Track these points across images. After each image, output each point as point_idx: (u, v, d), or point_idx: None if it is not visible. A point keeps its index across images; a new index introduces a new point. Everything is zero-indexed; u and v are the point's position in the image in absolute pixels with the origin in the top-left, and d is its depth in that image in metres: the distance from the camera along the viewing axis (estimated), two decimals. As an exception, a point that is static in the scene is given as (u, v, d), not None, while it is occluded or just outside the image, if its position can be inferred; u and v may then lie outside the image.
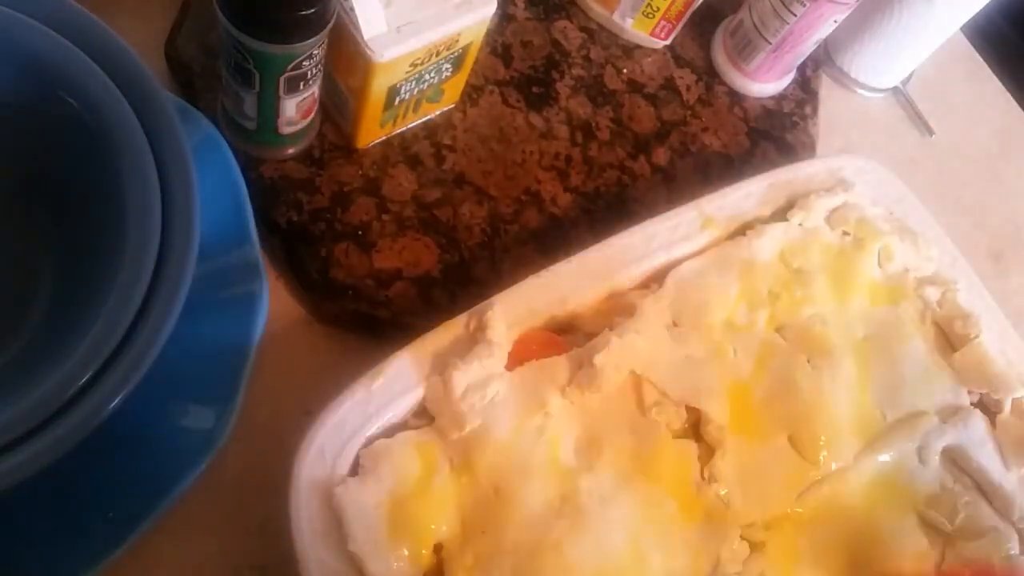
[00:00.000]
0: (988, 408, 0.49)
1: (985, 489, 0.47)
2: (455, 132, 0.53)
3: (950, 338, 0.51)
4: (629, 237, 0.47)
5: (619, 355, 0.42)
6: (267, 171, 0.48)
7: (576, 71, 0.58)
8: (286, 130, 0.46)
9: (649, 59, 0.60)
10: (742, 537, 0.41)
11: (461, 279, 0.49)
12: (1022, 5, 0.91)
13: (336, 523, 0.37)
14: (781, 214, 0.51)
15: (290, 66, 0.41)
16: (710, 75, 0.61)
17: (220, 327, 0.42)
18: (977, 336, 0.49)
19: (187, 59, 0.50)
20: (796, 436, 0.44)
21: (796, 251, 0.49)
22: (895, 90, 0.69)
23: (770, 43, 0.58)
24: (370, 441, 0.40)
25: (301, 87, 0.43)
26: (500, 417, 0.41)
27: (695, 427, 0.44)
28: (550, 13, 0.59)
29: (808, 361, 0.46)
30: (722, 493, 0.42)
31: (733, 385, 0.45)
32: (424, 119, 0.52)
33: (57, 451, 0.31)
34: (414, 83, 0.47)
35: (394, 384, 0.41)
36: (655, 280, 0.48)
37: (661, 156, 0.57)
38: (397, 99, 0.47)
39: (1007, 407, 0.49)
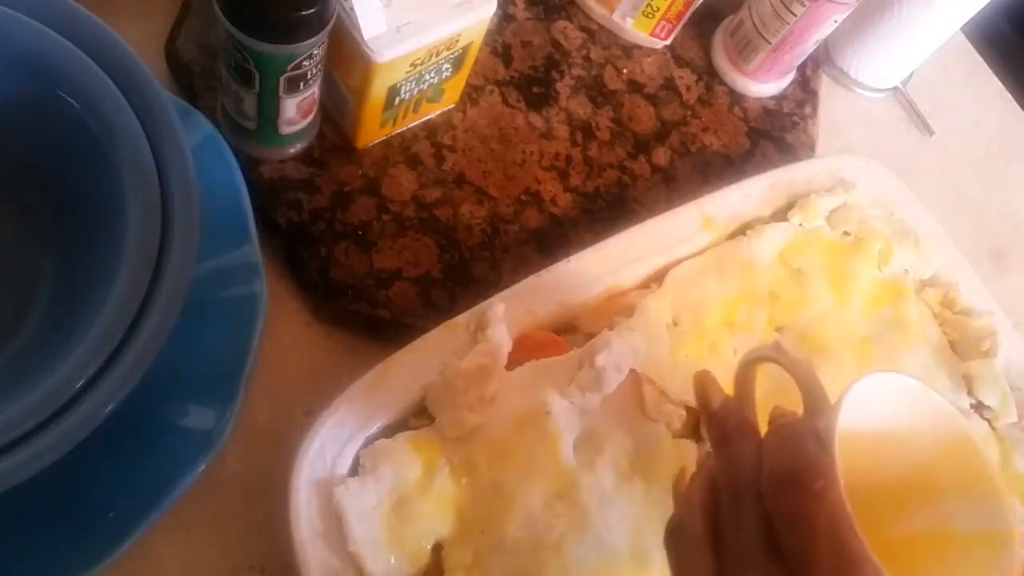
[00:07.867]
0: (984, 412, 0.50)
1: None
2: (455, 132, 0.53)
3: (957, 345, 0.51)
4: (629, 237, 0.47)
5: (619, 355, 0.42)
6: (267, 171, 0.48)
7: (576, 71, 0.58)
8: (286, 130, 0.46)
9: (649, 59, 0.60)
10: (742, 537, 0.41)
11: (461, 279, 0.49)
12: (1022, 5, 0.91)
13: (336, 523, 0.37)
14: (781, 214, 0.51)
15: (290, 66, 0.41)
16: (710, 75, 0.61)
17: (220, 327, 0.42)
18: (995, 356, 0.49)
19: (187, 59, 0.50)
20: (796, 436, 0.44)
21: (796, 251, 0.49)
22: (895, 90, 0.69)
23: (770, 43, 0.58)
24: (370, 441, 0.40)
25: (301, 87, 0.43)
26: (500, 417, 0.41)
27: (695, 427, 0.44)
28: (550, 13, 0.59)
29: (808, 361, 0.46)
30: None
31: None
32: (424, 119, 0.52)
33: (57, 451, 0.31)
34: (414, 83, 0.47)
35: (394, 384, 0.41)
36: (655, 280, 0.48)
37: (661, 156, 0.57)
38: (397, 99, 0.47)
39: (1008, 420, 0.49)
